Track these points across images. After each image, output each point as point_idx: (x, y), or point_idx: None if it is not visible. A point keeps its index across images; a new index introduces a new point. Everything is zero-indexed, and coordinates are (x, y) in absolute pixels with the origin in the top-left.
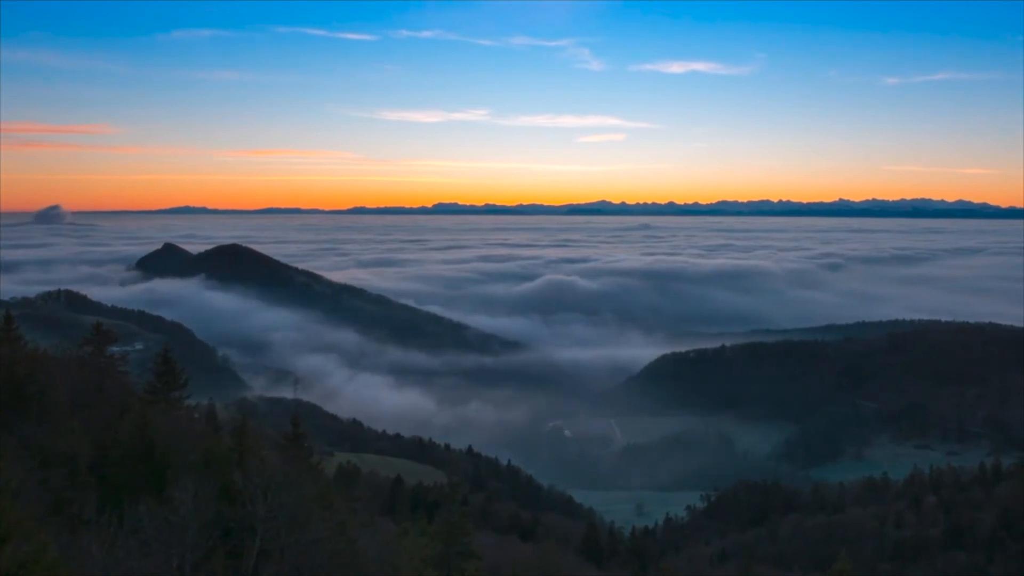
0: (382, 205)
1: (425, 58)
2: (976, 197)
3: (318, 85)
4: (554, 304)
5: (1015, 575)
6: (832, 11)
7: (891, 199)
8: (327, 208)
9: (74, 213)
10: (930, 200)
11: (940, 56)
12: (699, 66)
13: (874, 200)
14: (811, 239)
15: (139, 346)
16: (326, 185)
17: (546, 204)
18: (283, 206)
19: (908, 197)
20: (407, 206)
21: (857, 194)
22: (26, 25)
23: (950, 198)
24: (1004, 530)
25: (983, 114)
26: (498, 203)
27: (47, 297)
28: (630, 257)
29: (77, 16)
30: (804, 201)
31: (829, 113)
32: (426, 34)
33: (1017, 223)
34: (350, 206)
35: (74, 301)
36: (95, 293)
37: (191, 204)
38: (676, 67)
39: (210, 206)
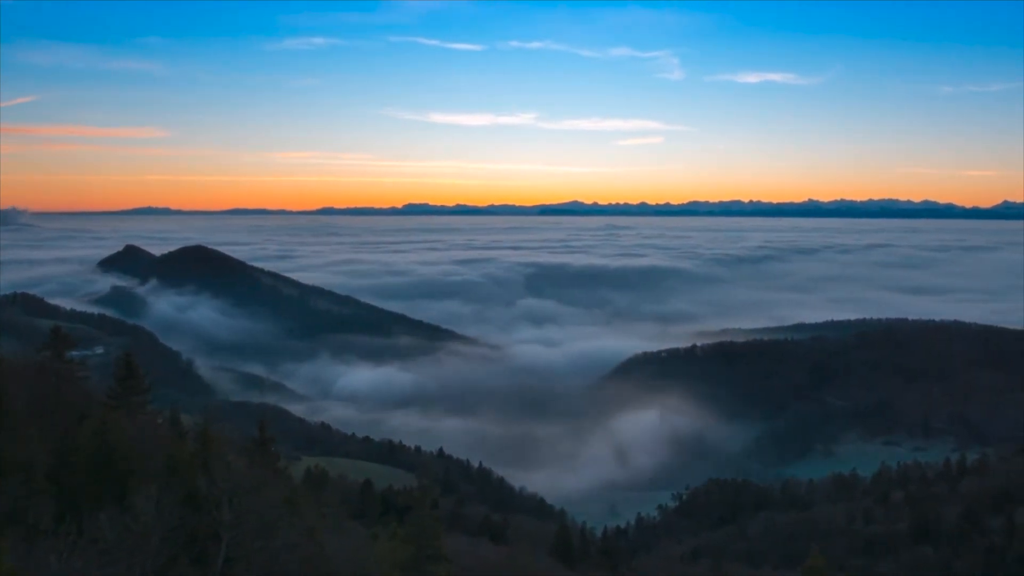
0: (351, 206)
1: (477, 64)
2: (942, 198)
3: (400, 91)
4: (526, 304)
5: (980, 569)
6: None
7: (859, 199)
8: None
9: (33, 214)
10: (896, 200)
11: (925, 60)
12: (774, 76)
13: (842, 200)
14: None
15: (99, 350)
16: (342, 186)
17: (518, 205)
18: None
19: (875, 198)
20: (377, 207)
21: (826, 194)
22: (135, 30)
23: (916, 198)
24: (969, 524)
25: (955, 117)
26: (469, 203)
27: (3, 301)
28: (599, 257)
29: (188, 20)
30: (774, 201)
31: (824, 116)
32: (535, 44)
33: (971, 223)
34: (318, 206)
35: (31, 305)
36: (53, 296)
37: (153, 205)
38: (752, 77)
39: (183, 207)
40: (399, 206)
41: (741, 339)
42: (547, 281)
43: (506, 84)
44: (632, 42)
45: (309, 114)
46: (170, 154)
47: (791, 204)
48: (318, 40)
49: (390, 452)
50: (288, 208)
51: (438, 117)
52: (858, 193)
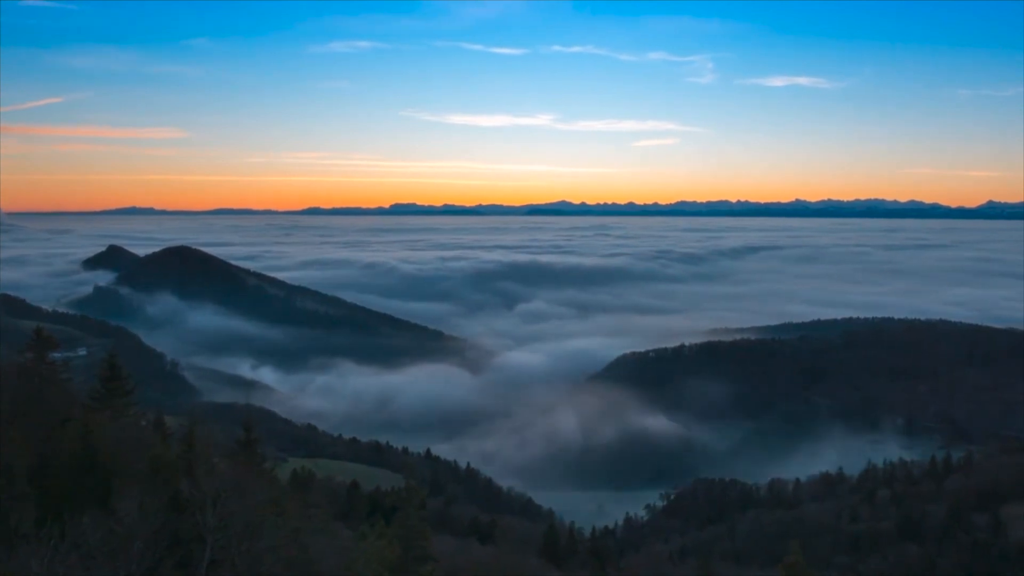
0: (339, 206)
1: (498, 66)
2: (928, 198)
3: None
4: (512, 303)
5: (965, 566)
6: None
7: (846, 199)
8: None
9: (12, 215)
10: (883, 200)
11: (923, 63)
12: (802, 80)
13: (829, 200)
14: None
15: (82, 352)
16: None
17: (506, 205)
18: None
19: (862, 198)
20: (364, 207)
21: (813, 194)
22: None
23: (902, 198)
24: (954, 522)
25: (939, 116)
26: (456, 203)
27: None
28: (585, 256)
29: (239, 24)
30: (762, 201)
31: (818, 117)
32: (575, 49)
33: (954, 222)
34: (305, 206)
35: (12, 306)
36: (35, 297)
37: (136, 205)
38: (779, 80)
39: (168, 207)
40: (386, 206)
41: (728, 339)
42: (530, 281)
43: (534, 86)
44: (671, 47)
45: (327, 116)
46: (173, 154)
47: (778, 204)
48: (363, 44)
49: (377, 453)
50: (274, 208)
51: (457, 118)
52: (845, 193)
